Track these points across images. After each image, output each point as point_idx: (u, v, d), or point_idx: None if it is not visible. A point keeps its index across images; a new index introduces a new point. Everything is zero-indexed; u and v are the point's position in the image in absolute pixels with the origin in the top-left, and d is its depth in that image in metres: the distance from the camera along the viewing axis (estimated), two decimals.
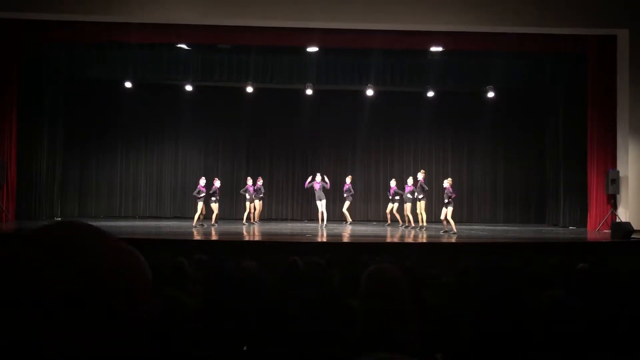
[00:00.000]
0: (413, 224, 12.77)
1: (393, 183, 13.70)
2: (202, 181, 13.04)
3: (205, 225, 12.64)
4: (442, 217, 11.65)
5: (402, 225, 13.32)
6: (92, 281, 0.66)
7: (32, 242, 0.68)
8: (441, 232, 11.58)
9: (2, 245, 0.68)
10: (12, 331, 0.63)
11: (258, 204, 13.76)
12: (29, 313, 0.63)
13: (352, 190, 13.84)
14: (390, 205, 13.65)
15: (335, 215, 15.72)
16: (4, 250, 0.67)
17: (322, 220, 13.04)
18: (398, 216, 13.50)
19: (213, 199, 12.87)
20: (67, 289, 0.64)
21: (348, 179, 14.03)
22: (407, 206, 12.93)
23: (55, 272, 0.65)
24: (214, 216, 12.94)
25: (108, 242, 0.71)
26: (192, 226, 12.47)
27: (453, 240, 10.41)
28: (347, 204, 13.81)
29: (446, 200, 11.55)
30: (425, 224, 12.34)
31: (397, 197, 13.42)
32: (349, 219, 13.78)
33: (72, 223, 0.72)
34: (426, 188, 12.36)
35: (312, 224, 13.94)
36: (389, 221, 13.78)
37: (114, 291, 0.67)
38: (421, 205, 12.34)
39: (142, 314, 0.69)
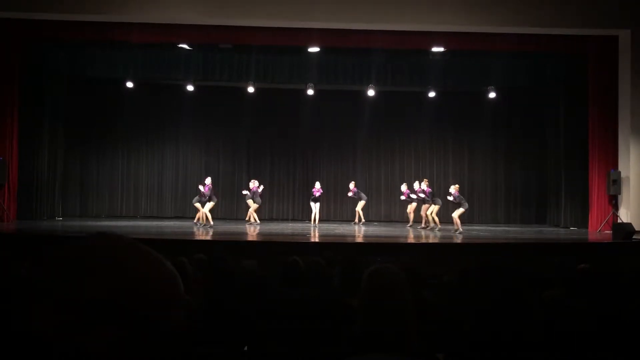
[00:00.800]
0: (424, 225, 13.04)
1: (404, 188, 13.79)
2: (208, 180, 13.05)
3: (212, 224, 12.71)
4: (455, 214, 11.89)
5: (409, 225, 13.53)
6: (126, 290, 0.69)
7: (73, 251, 0.72)
8: (451, 232, 11.81)
9: (48, 250, 0.72)
10: (46, 328, 0.66)
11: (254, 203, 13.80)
12: (65, 313, 0.66)
13: (354, 194, 13.95)
14: (409, 207, 13.68)
15: (336, 215, 15.74)
16: (49, 255, 0.72)
17: (314, 220, 13.46)
18: (412, 215, 13.59)
19: (204, 200, 12.86)
20: (103, 295, 0.68)
21: (352, 185, 14.06)
22: (424, 207, 13.02)
23: (91, 280, 0.68)
24: (197, 216, 12.97)
25: (143, 254, 0.75)
26: (210, 226, 12.61)
27: (454, 240, 10.42)
28: (362, 203, 13.97)
29: (456, 202, 11.82)
30: (439, 225, 12.58)
31: (412, 198, 13.43)
32: (362, 219, 14.04)
33: (109, 235, 0.76)
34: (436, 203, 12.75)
35: (312, 224, 13.96)
36: (410, 222, 13.73)
37: (145, 300, 0.70)
38: (434, 210, 12.61)
39: (170, 323, 0.72)
